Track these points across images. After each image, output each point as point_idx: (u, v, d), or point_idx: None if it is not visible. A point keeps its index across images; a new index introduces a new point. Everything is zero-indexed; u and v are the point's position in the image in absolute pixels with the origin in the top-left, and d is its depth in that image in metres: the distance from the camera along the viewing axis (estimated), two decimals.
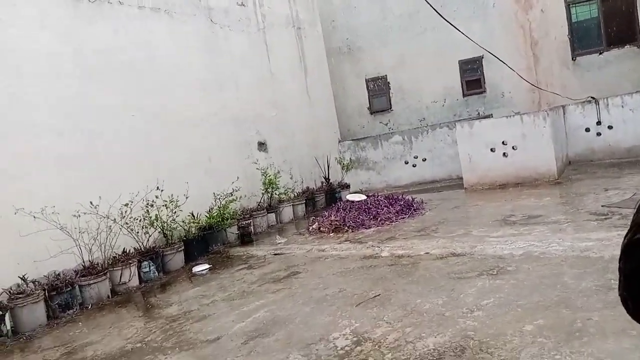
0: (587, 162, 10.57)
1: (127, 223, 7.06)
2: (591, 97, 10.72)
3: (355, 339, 3.84)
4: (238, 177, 9.30)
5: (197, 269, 7.11)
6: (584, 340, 3.21)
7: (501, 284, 4.49)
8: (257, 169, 9.96)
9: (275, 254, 7.35)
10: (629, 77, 11.63)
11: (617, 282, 0.69)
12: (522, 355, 3.17)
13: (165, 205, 7.57)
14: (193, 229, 8.07)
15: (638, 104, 10.08)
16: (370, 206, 8.88)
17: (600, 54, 11.99)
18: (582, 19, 12.28)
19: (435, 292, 4.57)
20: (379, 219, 8.22)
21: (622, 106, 10.21)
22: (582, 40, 12.26)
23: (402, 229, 7.50)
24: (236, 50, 10.36)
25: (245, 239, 8.53)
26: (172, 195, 7.74)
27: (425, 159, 12.57)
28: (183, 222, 7.98)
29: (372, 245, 6.75)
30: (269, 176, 9.94)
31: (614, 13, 11.86)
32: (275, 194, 10.13)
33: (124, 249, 7.03)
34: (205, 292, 5.95)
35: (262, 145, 10.65)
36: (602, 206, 6.63)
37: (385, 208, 8.68)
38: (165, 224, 7.59)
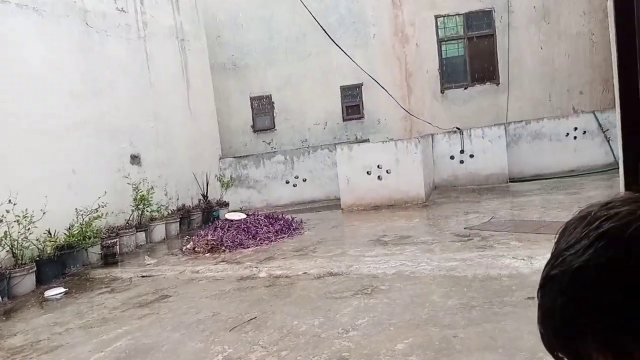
0: (451, 187, 11.42)
1: None
2: (456, 128, 11.68)
3: None
4: (106, 192, 8.55)
5: (50, 293, 6.33)
6: (451, 357, 3.32)
7: (375, 303, 4.55)
8: (128, 183, 9.27)
9: (142, 276, 6.81)
10: (489, 111, 12.90)
11: (537, 317, 0.64)
12: None
13: (17, 221, 6.68)
14: (49, 248, 7.22)
15: (496, 135, 11.19)
16: (250, 225, 8.69)
17: (465, 88, 13.17)
18: (451, 55, 13.42)
19: (312, 312, 4.51)
20: (258, 239, 8.05)
21: (483, 137, 11.25)
22: (450, 75, 13.37)
23: (281, 249, 7.41)
24: (114, 58, 9.67)
25: (110, 259, 7.82)
26: (27, 210, 6.87)
27: (306, 180, 12.71)
28: (37, 240, 7.10)
29: (250, 266, 6.55)
30: (141, 192, 9.30)
31: (478, 53, 13.14)
32: (147, 211, 9.48)
33: None
34: (58, 319, 5.28)
35: (135, 159, 9.97)
36: (464, 228, 7.14)
37: (264, 227, 8.54)
38: (16, 242, 6.69)
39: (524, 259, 5.19)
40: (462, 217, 8.06)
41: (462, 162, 11.48)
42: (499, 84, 12.97)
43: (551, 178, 10.96)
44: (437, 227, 7.84)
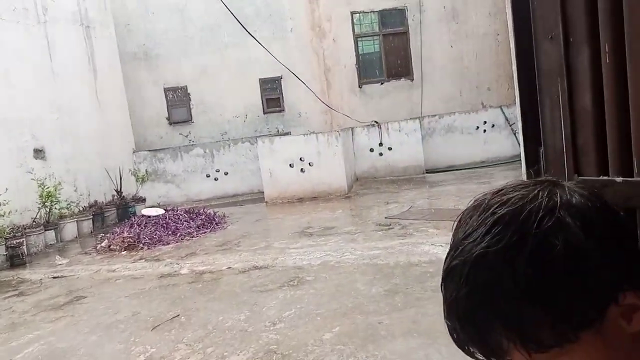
0: (371, 179, 11.74)
1: None
2: (375, 122, 12.01)
3: None
4: (7, 189, 7.88)
5: None
6: (377, 343, 3.42)
7: (301, 294, 4.58)
8: (32, 179, 8.59)
9: (54, 277, 6.37)
10: (404, 105, 13.38)
11: (442, 309, 0.63)
12: None
13: None
14: None
15: (411, 129, 11.65)
16: (169, 221, 8.40)
17: (382, 84, 13.56)
18: (367, 51, 13.74)
19: (238, 307, 4.45)
20: (178, 234, 7.80)
21: (400, 130, 11.66)
22: (367, 70, 13.70)
23: (204, 244, 7.23)
24: (9, 44, 8.90)
25: (16, 260, 7.24)
26: None
27: (228, 173, 12.49)
28: None
29: (171, 263, 6.33)
30: (48, 188, 8.66)
31: (393, 49, 13.57)
32: (56, 208, 8.86)
33: None
34: None
35: (39, 153, 9.27)
36: (385, 218, 7.37)
37: (185, 222, 8.29)
38: None
39: (442, 246, 5.45)
40: (383, 207, 8.31)
41: (381, 154, 11.83)
42: (413, 79, 13.49)
43: (464, 169, 11.60)
44: (359, 217, 8.03)
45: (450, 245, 0.63)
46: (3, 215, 7.50)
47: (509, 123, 12.12)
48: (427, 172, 11.66)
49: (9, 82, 8.75)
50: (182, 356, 3.58)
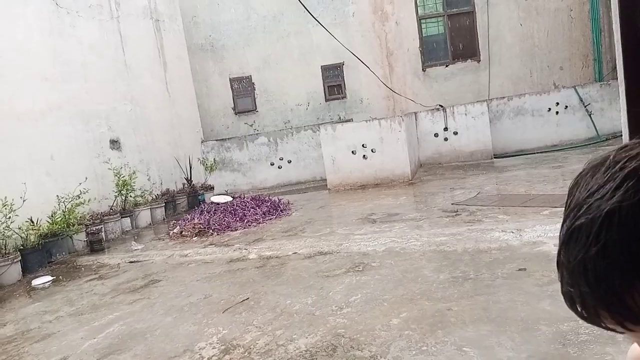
0: (436, 165, 11.49)
1: None
2: (440, 105, 11.69)
3: (223, 347, 3.59)
4: (87, 178, 8.40)
5: (37, 281, 6.22)
6: (447, 329, 3.35)
7: (367, 280, 4.57)
8: (109, 169, 9.10)
9: (131, 262, 6.73)
10: (470, 88, 12.94)
11: (560, 279, 0.59)
12: (392, 349, 3.21)
13: None
14: (32, 237, 7.07)
15: (478, 112, 11.23)
16: (237, 208, 8.63)
17: (447, 66, 13.17)
18: (431, 33, 13.38)
19: (305, 291, 4.50)
20: (245, 221, 8.00)
21: (466, 114, 11.29)
22: (431, 53, 13.35)
23: (270, 230, 7.38)
24: (86, 39, 9.39)
25: (96, 246, 7.71)
26: (5, 198, 6.70)
27: (291, 161, 12.65)
28: (20, 229, 6.95)
29: (239, 248, 6.51)
30: (123, 177, 9.14)
31: (459, 30, 13.12)
32: (131, 196, 9.35)
33: None
34: (48, 308, 5.20)
35: (115, 143, 9.78)
36: (451, 204, 7.19)
37: (252, 209, 8.49)
38: None
39: (512, 232, 5.25)
40: (448, 193, 8.11)
41: (446, 139, 11.52)
42: (480, 61, 13.00)
43: (534, 153, 11.09)
44: (424, 204, 7.89)
45: (569, 207, 0.59)
46: (83, 203, 7.99)
47: (583, 104, 11.42)
48: (495, 157, 11.24)
49: (86, 76, 9.26)
50: (252, 338, 3.67)
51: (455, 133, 11.43)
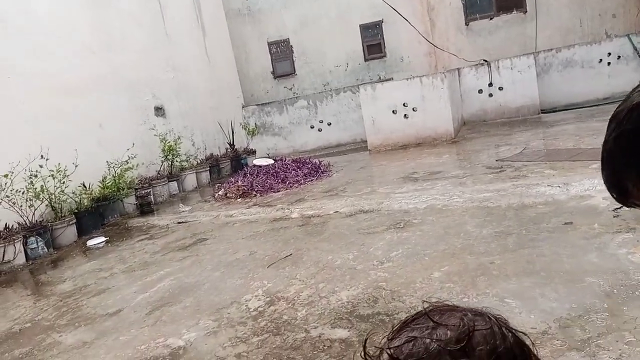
0: (480, 122, 11.19)
1: (7, 196, 6.30)
2: (484, 60, 11.28)
3: (268, 299, 3.72)
4: (134, 144, 8.67)
5: (92, 242, 6.57)
6: (489, 282, 3.33)
7: (408, 236, 4.57)
8: (155, 135, 9.36)
9: (179, 223, 6.98)
10: (516, 40, 12.40)
11: (608, 135, 0.61)
12: (432, 300, 3.22)
13: (52, 175, 6.86)
14: (85, 201, 7.43)
15: (525, 65, 10.78)
16: (278, 170, 8.74)
17: (491, 19, 12.63)
18: None
19: (346, 247, 4.56)
20: (287, 182, 8.11)
21: (511, 68, 10.86)
22: (474, 6, 12.80)
23: (311, 191, 7.45)
24: (125, 9, 9.52)
25: (145, 208, 8.02)
26: (59, 164, 7.03)
27: (331, 123, 12.61)
28: (74, 193, 7.31)
29: (282, 208, 6.63)
30: (169, 142, 9.39)
31: None
32: (177, 161, 9.61)
33: (5, 224, 6.30)
34: (102, 266, 5.50)
35: (159, 110, 10.01)
36: (496, 161, 7.03)
37: (293, 171, 8.58)
38: (53, 196, 6.90)
39: (559, 186, 5.10)
40: (493, 150, 7.92)
41: (490, 95, 11.16)
42: (526, 12, 12.38)
43: (585, 107, 10.59)
44: (467, 161, 7.74)
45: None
46: (132, 168, 8.28)
47: (638, 53, 10.74)
48: (542, 112, 10.82)
49: (129, 46, 9.43)
50: (296, 290, 3.78)
51: (501, 88, 11.05)
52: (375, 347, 0.61)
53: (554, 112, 10.76)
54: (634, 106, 0.55)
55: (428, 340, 0.55)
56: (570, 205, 4.52)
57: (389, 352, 0.58)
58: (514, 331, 0.59)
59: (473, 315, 0.58)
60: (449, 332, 0.56)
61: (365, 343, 0.62)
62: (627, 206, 0.60)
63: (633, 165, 0.55)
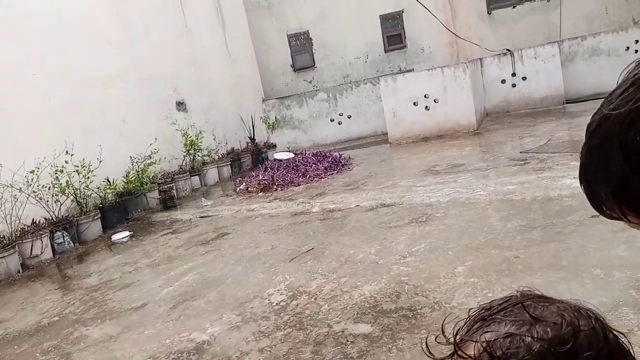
0: (503, 113, 11.00)
1: (34, 191, 6.44)
2: (507, 50, 11.07)
3: (290, 293, 3.73)
4: (156, 139, 8.77)
5: (116, 237, 6.68)
6: (514, 277, 3.28)
7: (431, 230, 4.53)
8: (176, 129, 9.44)
9: (201, 217, 7.05)
10: (540, 29, 12.13)
11: (582, 147, 0.59)
12: (456, 295, 3.20)
13: (77, 170, 6.98)
14: (110, 196, 7.55)
15: (549, 54, 10.54)
16: (299, 164, 8.75)
17: (514, 7, 12.38)
18: None
19: (368, 242, 4.55)
20: (308, 176, 8.11)
21: (535, 57, 10.64)
22: None
23: (332, 185, 7.44)
24: (147, 2, 9.59)
25: (168, 203, 8.12)
26: (83, 159, 7.15)
27: (351, 116, 12.55)
28: (98, 188, 7.43)
29: (303, 202, 6.64)
30: (190, 137, 9.47)
31: None
32: (198, 155, 9.69)
33: (32, 219, 6.44)
34: (127, 260, 5.59)
35: (180, 105, 10.10)
36: (520, 152, 6.91)
37: (313, 165, 8.57)
38: (78, 191, 7.03)
39: None
40: (517, 141, 7.79)
41: (514, 85, 10.96)
42: None
43: None
44: (490, 153, 7.63)
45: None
46: (154, 163, 8.38)
47: None
48: (567, 102, 10.59)
49: (150, 40, 9.51)
50: (318, 285, 3.78)
51: (524, 78, 10.83)
52: (452, 335, 0.57)
53: (579, 102, 10.51)
54: (602, 119, 0.52)
55: (529, 339, 0.51)
56: None
57: (481, 345, 0.54)
58: (613, 331, 0.55)
59: (572, 311, 0.54)
60: (549, 330, 0.52)
61: (442, 327, 0.60)
62: (607, 217, 0.58)
63: (602, 181, 0.53)
